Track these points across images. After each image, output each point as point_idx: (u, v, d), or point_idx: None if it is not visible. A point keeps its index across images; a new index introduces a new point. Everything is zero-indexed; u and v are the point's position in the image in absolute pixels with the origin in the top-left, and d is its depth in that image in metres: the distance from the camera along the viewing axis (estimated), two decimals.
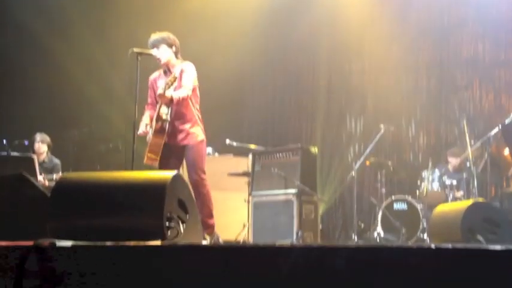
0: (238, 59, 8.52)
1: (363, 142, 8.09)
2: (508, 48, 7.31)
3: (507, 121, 5.70)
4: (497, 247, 1.80)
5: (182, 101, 4.56)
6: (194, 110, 4.74)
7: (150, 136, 4.62)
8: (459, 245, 2.06)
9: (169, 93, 4.43)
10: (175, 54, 4.77)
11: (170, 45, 4.73)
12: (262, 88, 9.24)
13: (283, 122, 9.16)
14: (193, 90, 4.71)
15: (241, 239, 6.09)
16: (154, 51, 4.69)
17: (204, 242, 4.31)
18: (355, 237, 6.44)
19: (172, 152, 4.67)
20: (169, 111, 4.54)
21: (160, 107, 4.51)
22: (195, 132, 4.71)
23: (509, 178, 6.89)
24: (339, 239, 8.03)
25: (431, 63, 7.99)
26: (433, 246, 2.03)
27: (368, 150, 6.92)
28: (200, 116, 4.84)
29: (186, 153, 4.67)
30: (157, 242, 2.76)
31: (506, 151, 6.35)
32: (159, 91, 4.44)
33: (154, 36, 4.74)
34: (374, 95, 8.37)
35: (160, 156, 4.56)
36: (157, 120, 4.55)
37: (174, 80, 4.44)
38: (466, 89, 7.62)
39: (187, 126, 4.68)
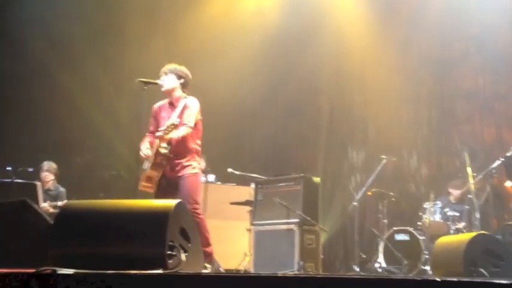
0: (241, 89, 8.65)
1: (365, 173, 8.11)
2: (507, 81, 7.39)
3: (509, 154, 5.74)
4: (503, 281, 1.81)
5: (182, 138, 4.64)
6: (193, 145, 4.81)
7: (146, 166, 4.69)
8: (464, 279, 2.07)
9: (168, 136, 4.52)
10: (183, 87, 4.85)
11: (179, 77, 4.82)
12: (265, 118, 9.33)
13: (285, 152, 9.22)
14: (196, 124, 4.79)
15: (242, 268, 6.06)
16: (160, 79, 4.78)
17: (205, 271, 4.30)
18: (356, 268, 6.39)
19: (168, 183, 4.74)
20: (169, 146, 4.61)
21: (159, 143, 4.59)
22: (191, 164, 4.77)
23: (511, 210, 6.88)
24: (341, 269, 7.97)
25: (432, 95, 8.08)
26: (438, 279, 2.03)
27: (370, 181, 6.93)
28: (199, 150, 4.92)
29: (180, 184, 4.71)
30: (159, 271, 2.76)
31: (508, 183, 6.35)
32: (159, 133, 4.51)
33: (168, 66, 4.85)
34: (375, 125, 8.44)
35: (157, 187, 4.67)
36: (156, 156, 4.62)
37: (175, 128, 4.49)
38: (467, 122, 7.68)
39: (184, 159, 4.75)
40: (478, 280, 2.04)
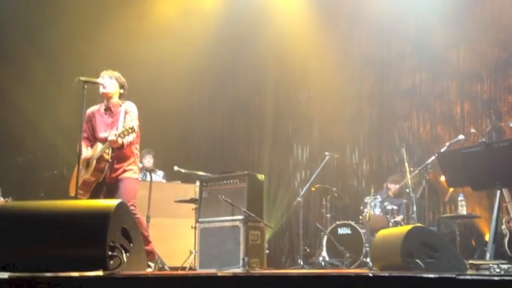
0: (187, 87, 8.66)
1: (309, 169, 8.33)
2: (442, 80, 7.76)
3: (443, 150, 6.03)
4: (431, 275, 1.94)
5: (128, 144, 4.63)
6: (133, 150, 4.79)
7: (80, 170, 4.61)
8: (395, 273, 2.19)
9: (121, 139, 4.48)
10: (120, 96, 4.81)
11: (121, 86, 4.79)
12: (211, 115, 9.38)
13: (231, 150, 9.31)
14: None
15: (188, 265, 6.08)
16: (101, 79, 4.71)
17: (149, 270, 4.30)
18: (301, 262, 6.55)
19: (103, 186, 4.69)
20: (110, 151, 4.58)
21: (106, 148, 4.55)
22: (132, 169, 4.76)
23: (446, 204, 7.26)
24: (286, 263, 8.14)
25: (373, 93, 8.37)
26: (370, 274, 2.16)
27: (313, 177, 7.10)
28: (138, 155, 4.92)
29: (119, 186, 4.67)
30: (99, 272, 2.76)
31: (443, 178, 6.68)
32: (112, 138, 4.45)
33: (112, 71, 4.79)
34: (319, 123, 8.67)
35: (94, 189, 4.62)
36: (99, 161, 4.56)
37: (132, 131, 4.46)
38: (405, 119, 8.00)
39: (124, 164, 4.72)
40: (407, 274, 2.18)
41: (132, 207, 4.62)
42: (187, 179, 6.99)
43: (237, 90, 9.24)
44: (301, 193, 6.97)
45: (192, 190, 6.58)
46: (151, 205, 5.97)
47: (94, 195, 4.62)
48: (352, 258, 6.47)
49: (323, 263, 6.62)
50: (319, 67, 8.45)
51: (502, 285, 1.80)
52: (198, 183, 6.30)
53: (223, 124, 9.41)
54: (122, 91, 4.80)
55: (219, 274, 2.56)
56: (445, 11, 7.50)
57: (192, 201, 6.42)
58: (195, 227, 5.99)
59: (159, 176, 7.40)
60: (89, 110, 4.87)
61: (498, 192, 4.96)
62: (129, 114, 4.69)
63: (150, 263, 4.53)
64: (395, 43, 8.17)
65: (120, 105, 4.76)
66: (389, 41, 8.20)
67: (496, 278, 1.83)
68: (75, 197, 4.38)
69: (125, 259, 2.99)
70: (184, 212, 6.56)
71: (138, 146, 4.89)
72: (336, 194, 7.23)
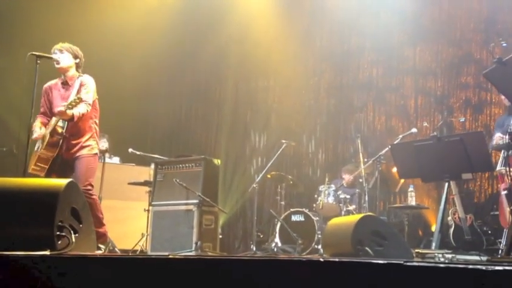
0: (146, 67, 8.47)
1: (266, 156, 8.38)
2: (398, 75, 7.94)
3: (396, 142, 6.19)
4: (380, 261, 1.99)
5: (81, 116, 4.50)
6: (92, 124, 4.69)
7: (39, 146, 4.51)
8: (345, 259, 2.23)
9: (71, 111, 4.36)
10: (77, 67, 4.69)
11: (75, 56, 4.66)
12: (170, 98, 9.25)
13: (188, 133, 9.24)
14: (93, 103, 4.66)
15: (139, 248, 6.03)
16: (55, 55, 4.57)
17: (98, 252, 4.23)
18: (253, 248, 6.61)
19: (64, 164, 4.59)
20: (65, 125, 4.45)
21: (57, 121, 4.42)
22: (90, 145, 4.66)
23: (396, 194, 7.47)
24: (239, 249, 8.20)
25: (331, 85, 8.48)
26: (321, 259, 2.19)
27: (270, 164, 7.14)
28: (98, 130, 4.80)
29: (76, 164, 4.58)
30: (46, 252, 2.69)
31: (395, 169, 6.86)
32: (60, 108, 4.34)
33: (62, 44, 4.65)
34: (278, 111, 8.72)
35: (52, 167, 4.51)
36: (52, 134, 4.45)
37: (80, 101, 4.35)
38: (361, 111, 8.16)
39: (81, 139, 4.62)
40: (357, 260, 2.23)
41: (89, 187, 4.53)
42: (142, 161, 6.89)
43: (197, 75, 9.15)
44: (257, 180, 7.00)
45: (147, 173, 6.50)
46: (104, 187, 5.87)
47: (51, 172, 4.51)
48: (305, 245, 6.56)
49: (276, 249, 6.69)
50: (280, 57, 8.47)
51: (446, 272, 1.86)
52: (153, 166, 6.23)
53: (182, 108, 9.31)
54: (77, 61, 4.67)
55: (170, 257, 2.54)
56: (404, 10, 7.67)
57: (146, 183, 6.34)
58: (148, 210, 5.93)
59: (114, 161, 7.26)
60: (47, 85, 4.76)
61: (446, 184, 5.14)
62: (84, 87, 4.57)
63: (100, 245, 4.47)
64: (356, 38, 8.29)
65: (77, 78, 4.63)
66: (350, 35, 8.31)
67: (441, 265, 1.89)
68: (32, 174, 4.28)
69: (74, 239, 2.93)
70: (138, 194, 6.47)
71: (97, 121, 4.76)
72: (291, 182, 7.30)
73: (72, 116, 4.41)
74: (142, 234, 5.99)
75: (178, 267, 2.31)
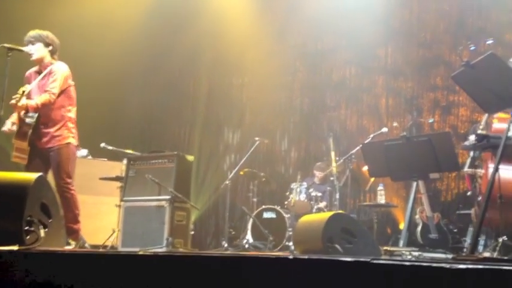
0: (120, 58, 8.33)
1: (239, 153, 8.40)
2: (371, 75, 8.06)
3: (367, 141, 6.28)
4: (347, 259, 2.03)
5: (48, 105, 4.42)
6: (64, 113, 4.59)
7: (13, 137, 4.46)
8: (314, 256, 2.27)
9: (24, 102, 4.30)
10: (52, 53, 4.61)
11: (47, 44, 4.58)
12: (143, 93, 9.15)
13: (161, 127, 9.18)
14: (66, 91, 4.58)
15: (109, 244, 5.97)
16: (28, 48, 4.50)
17: (68, 247, 4.19)
18: (225, 244, 6.63)
19: (38, 155, 4.51)
20: (35, 115, 4.38)
21: (18, 111, 4.37)
22: (62, 134, 4.55)
23: (366, 192, 7.59)
24: (210, 245, 8.20)
25: (305, 83, 8.55)
26: (290, 256, 2.22)
27: (242, 161, 7.17)
28: (72, 118, 4.68)
29: (51, 157, 4.50)
30: (15, 247, 2.66)
31: (365, 168, 6.97)
32: (12, 101, 4.28)
33: (32, 33, 4.55)
34: (251, 109, 8.75)
35: (29, 159, 4.43)
36: (21, 125, 4.39)
37: (23, 94, 4.30)
38: (334, 110, 8.25)
39: (52, 129, 4.52)
40: (325, 257, 2.27)
41: (67, 180, 4.46)
42: (114, 156, 6.81)
43: (171, 70, 9.08)
44: (230, 176, 7.02)
45: (119, 168, 6.43)
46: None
47: (30, 164, 4.43)
48: (276, 242, 6.62)
49: (247, 246, 6.72)
50: (255, 54, 8.50)
51: (412, 269, 1.91)
52: (125, 161, 6.18)
53: (155, 103, 9.23)
54: (50, 48, 4.59)
55: (140, 253, 2.54)
56: (377, 10, 7.77)
57: (117, 179, 6.28)
58: (120, 206, 5.88)
59: (82, 153, 7.14)
60: (28, 72, 4.70)
61: (414, 184, 5.26)
62: (52, 75, 4.50)
63: (70, 241, 4.41)
64: (330, 37, 8.35)
65: (49, 66, 4.57)
66: (324, 34, 8.38)
67: (407, 263, 1.95)
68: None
69: (43, 235, 2.91)
70: (109, 190, 6.40)
71: (72, 109, 4.67)
72: (263, 179, 7.35)
73: (27, 107, 4.35)
74: (113, 230, 5.94)
75: (148, 263, 2.32)
